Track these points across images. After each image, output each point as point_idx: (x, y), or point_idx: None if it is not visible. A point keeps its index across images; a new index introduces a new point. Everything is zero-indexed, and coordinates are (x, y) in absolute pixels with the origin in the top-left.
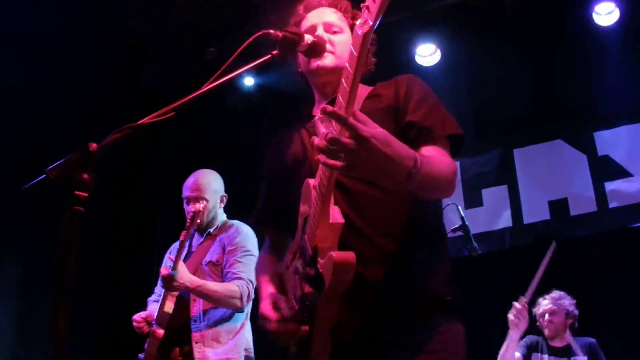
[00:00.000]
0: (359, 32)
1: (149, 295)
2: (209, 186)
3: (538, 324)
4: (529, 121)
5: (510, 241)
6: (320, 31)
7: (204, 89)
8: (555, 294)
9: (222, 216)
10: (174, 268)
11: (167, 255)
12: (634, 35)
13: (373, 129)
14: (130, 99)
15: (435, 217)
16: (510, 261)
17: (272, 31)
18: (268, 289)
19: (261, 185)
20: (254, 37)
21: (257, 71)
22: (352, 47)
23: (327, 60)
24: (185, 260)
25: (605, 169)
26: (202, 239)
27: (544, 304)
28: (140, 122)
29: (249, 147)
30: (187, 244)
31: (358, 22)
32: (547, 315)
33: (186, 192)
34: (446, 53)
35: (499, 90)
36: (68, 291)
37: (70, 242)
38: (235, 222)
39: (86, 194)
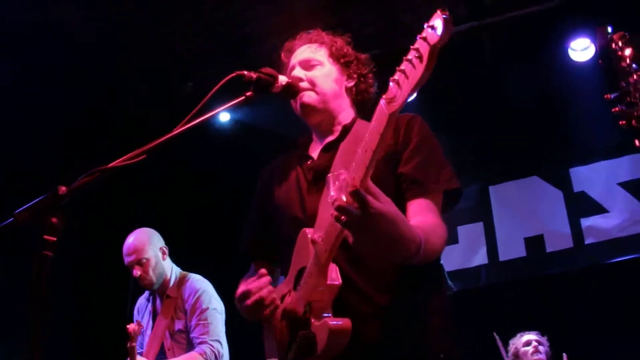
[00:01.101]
0: (384, 109)
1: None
2: (145, 245)
3: (515, 358)
4: (505, 157)
5: (486, 278)
6: (297, 71)
7: (176, 131)
8: (534, 332)
9: (174, 270)
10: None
11: (135, 312)
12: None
13: (383, 206)
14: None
15: (434, 268)
16: (486, 299)
17: (245, 72)
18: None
19: (250, 212)
20: (227, 79)
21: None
22: (375, 122)
23: (307, 98)
24: (152, 326)
25: (581, 205)
26: (161, 303)
27: (528, 336)
28: (110, 165)
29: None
30: (148, 308)
31: (384, 96)
32: (533, 343)
33: (126, 259)
34: (426, 87)
35: (474, 125)
36: (41, 333)
37: (39, 287)
38: (191, 277)
39: (54, 238)
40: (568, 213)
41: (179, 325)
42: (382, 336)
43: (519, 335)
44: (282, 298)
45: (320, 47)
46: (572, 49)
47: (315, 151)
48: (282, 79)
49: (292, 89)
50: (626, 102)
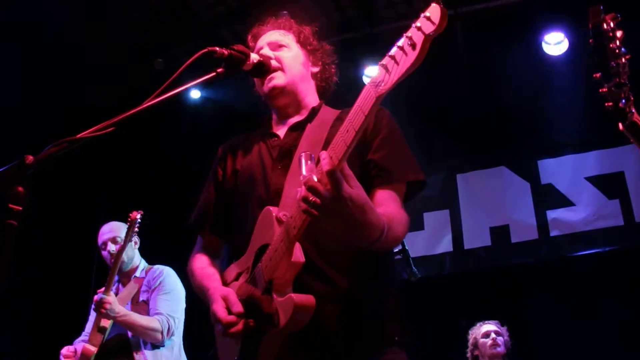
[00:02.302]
0: (371, 91)
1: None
2: (121, 228)
3: (474, 347)
4: (474, 146)
5: (450, 266)
6: (265, 50)
7: (146, 104)
8: (493, 322)
9: (142, 261)
10: (105, 293)
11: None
12: (582, 66)
13: (353, 190)
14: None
15: (390, 255)
16: (449, 286)
17: (217, 49)
18: (218, 288)
19: (205, 187)
20: (198, 54)
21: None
22: (360, 102)
23: (278, 80)
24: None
25: (548, 198)
26: (130, 281)
27: (487, 327)
28: (78, 135)
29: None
30: (114, 286)
31: (371, 79)
32: (492, 335)
33: (102, 237)
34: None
35: (445, 114)
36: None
37: (2, 256)
38: (159, 265)
39: (20, 208)
40: (534, 204)
41: (143, 296)
42: (341, 318)
43: (478, 325)
44: (238, 276)
45: (288, 33)
46: (546, 43)
47: (279, 129)
48: (254, 57)
49: (264, 67)
50: (615, 82)
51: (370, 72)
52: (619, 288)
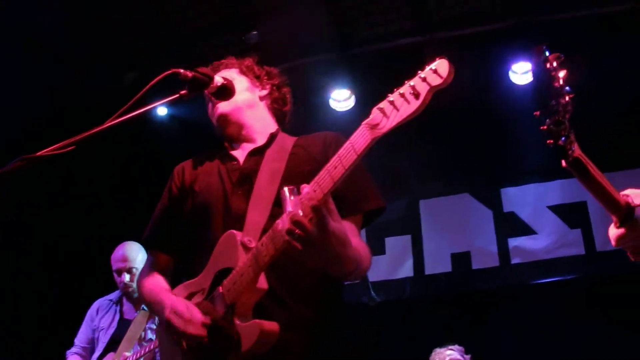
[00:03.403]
0: (366, 132)
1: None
2: (138, 257)
3: None
4: (438, 173)
5: (411, 291)
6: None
7: (107, 124)
8: (456, 347)
9: None
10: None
11: (94, 311)
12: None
13: (336, 225)
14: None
15: (341, 284)
16: (410, 311)
17: (181, 70)
18: (178, 299)
19: (160, 205)
20: (162, 76)
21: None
22: (354, 141)
23: (222, 108)
24: (119, 329)
25: (510, 226)
26: (136, 314)
27: (448, 352)
28: (38, 153)
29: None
30: (113, 310)
31: (368, 120)
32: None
33: (116, 265)
34: (360, 99)
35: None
36: None
37: None
38: None
39: None
40: (496, 232)
41: (150, 335)
42: (301, 345)
43: (440, 350)
44: (190, 296)
45: (229, 69)
46: (513, 72)
47: (238, 153)
48: (218, 80)
49: (227, 90)
50: (554, 120)
51: (337, 96)
52: (580, 316)
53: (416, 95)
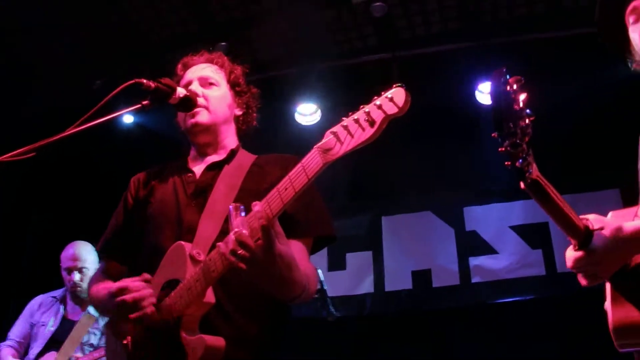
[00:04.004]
0: (318, 157)
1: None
2: (90, 257)
3: None
4: (401, 190)
5: (371, 307)
6: (194, 86)
7: (67, 132)
8: None
9: None
10: None
11: (35, 305)
12: None
13: (283, 247)
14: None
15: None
16: (369, 327)
17: (144, 81)
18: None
19: (116, 213)
20: (124, 85)
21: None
22: (305, 165)
23: (202, 117)
24: (62, 328)
25: (472, 245)
26: (80, 315)
27: None
28: None
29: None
30: (56, 308)
31: (321, 144)
32: None
33: (67, 263)
34: (326, 113)
35: (374, 154)
36: None
37: None
38: None
39: None
40: (458, 251)
41: (92, 340)
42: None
43: None
44: None
45: (220, 70)
46: (480, 91)
47: (196, 166)
48: (180, 91)
49: (189, 103)
50: (512, 142)
51: (303, 110)
52: (539, 336)
53: (371, 122)
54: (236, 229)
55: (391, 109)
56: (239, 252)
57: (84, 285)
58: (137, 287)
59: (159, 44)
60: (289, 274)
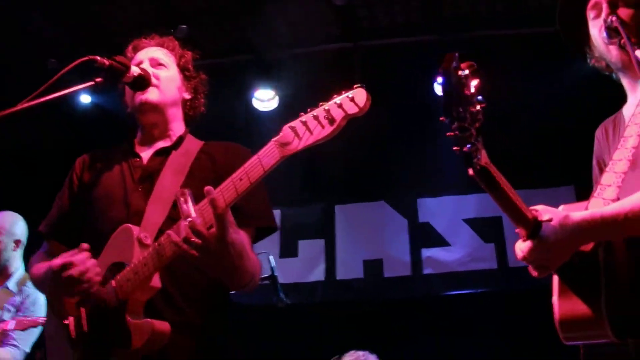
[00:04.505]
0: (275, 150)
1: None
2: (4, 226)
3: None
4: (356, 179)
5: (322, 295)
6: (145, 65)
7: (18, 107)
8: (360, 352)
9: (21, 267)
10: None
11: None
12: None
13: (235, 236)
14: None
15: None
16: (320, 315)
17: (98, 58)
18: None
19: (60, 194)
20: (77, 62)
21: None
22: (262, 156)
23: (152, 95)
24: None
25: (424, 236)
26: None
27: (355, 354)
28: None
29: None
30: None
31: (278, 137)
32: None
33: None
34: (284, 100)
35: (331, 144)
36: None
37: None
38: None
39: None
40: (410, 241)
41: (5, 316)
42: (191, 348)
43: (348, 354)
44: None
45: (171, 54)
46: (438, 84)
47: (143, 151)
48: (135, 70)
49: (143, 81)
50: (460, 126)
51: (260, 96)
52: (489, 329)
53: (331, 121)
54: (190, 218)
55: (352, 109)
56: (192, 240)
57: (3, 255)
58: (81, 260)
59: (117, 28)
60: (240, 262)
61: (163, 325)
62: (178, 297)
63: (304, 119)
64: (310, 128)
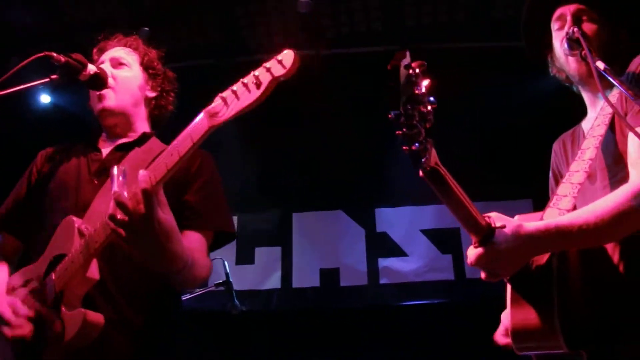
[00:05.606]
0: (205, 120)
1: None
2: None
3: None
4: (314, 187)
5: (277, 303)
6: (105, 65)
7: None
8: None
9: None
10: None
11: None
12: None
13: (164, 215)
14: None
15: (179, 297)
16: (275, 323)
17: (54, 54)
18: (2, 295)
19: (18, 186)
20: (33, 57)
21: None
22: (191, 129)
23: (108, 102)
24: None
25: (381, 246)
26: None
27: None
28: None
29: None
30: None
31: (209, 107)
32: None
33: None
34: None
35: (288, 151)
36: None
37: None
38: None
39: None
40: (367, 251)
41: None
42: (128, 347)
43: None
44: (26, 283)
45: (134, 53)
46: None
47: (104, 147)
48: (91, 68)
49: (99, 80)
50: (409, 124)
51: None
52: (445, 340)
53: (258, 84)
54: (115, 190)
55: (278, 71)
56: (118, 216)
57: None
58: (18, 324)
59: (80, 26)
60: (168, 244)
61: (96, 317)
62: (118, 295)
63: (234, 87)
64: (238, 95)
